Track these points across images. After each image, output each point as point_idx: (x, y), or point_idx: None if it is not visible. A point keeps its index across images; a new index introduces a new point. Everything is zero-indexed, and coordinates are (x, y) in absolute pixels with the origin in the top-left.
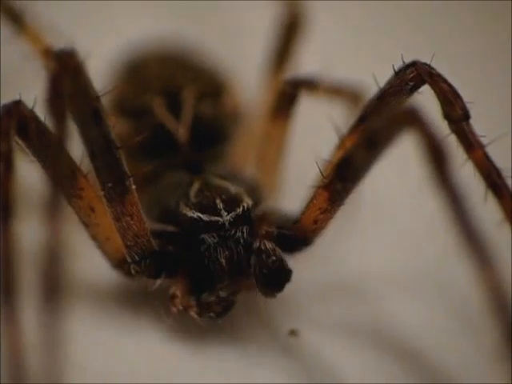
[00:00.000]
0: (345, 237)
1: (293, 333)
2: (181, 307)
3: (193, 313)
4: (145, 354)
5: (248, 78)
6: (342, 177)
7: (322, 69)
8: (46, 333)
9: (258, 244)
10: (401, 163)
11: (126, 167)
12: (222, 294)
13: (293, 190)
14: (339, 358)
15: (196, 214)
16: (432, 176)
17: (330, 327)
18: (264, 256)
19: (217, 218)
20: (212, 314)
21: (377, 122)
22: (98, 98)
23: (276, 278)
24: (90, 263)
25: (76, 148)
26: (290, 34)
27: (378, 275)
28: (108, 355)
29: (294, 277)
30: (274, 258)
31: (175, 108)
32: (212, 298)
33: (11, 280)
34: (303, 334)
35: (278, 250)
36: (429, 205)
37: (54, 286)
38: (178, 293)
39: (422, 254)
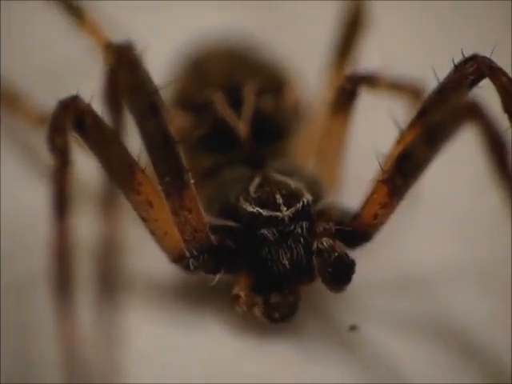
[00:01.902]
0: (405, 230)
1: (353, 328)
2: (245, 307)
3: (257, 311)
4: (204, 349)
5: (309, 73)
6: (402, 171)
7: (383, 65)
8: (103, 329)
9: (317, 244)
10: (461, 156)
11: (184, 162)
12: (289, 297)
13: (353, 186)
14: (400, 354)
15: (256, 209)
16: (492, 169)
17: (390, 322)
18: (326, 255)
19: (276, 213)
20: (278, 316)
21: (437, 116)
22: (155, 91)
23: (342, 274)
24: (148, 258)
25: (134, 142)
26: (351, 29)
27: (439, 269)
28: (167, 352)
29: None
30: (335, 254)
31: (236, 103)
32: (280, 299)
33: (67, 276)
34: (363, 329)
35: (338, 244)
36: (490, 198)
37: (112, 282)
38: (242, 293)
39: (484, 248)
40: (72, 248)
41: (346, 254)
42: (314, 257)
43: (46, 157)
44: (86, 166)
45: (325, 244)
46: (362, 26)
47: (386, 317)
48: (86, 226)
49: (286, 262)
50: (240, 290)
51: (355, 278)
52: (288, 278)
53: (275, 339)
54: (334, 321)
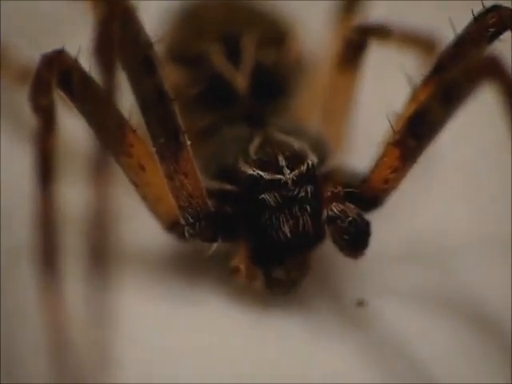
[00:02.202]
0: (417, 197)
1: (361, 303)
2: (245, 281)
3: (258, 285)
4: (202, 325)
5: (314, 23)
6: (415, 133)
7: (395, 16)
8: (93, 307)
9: (327, 211)
10: (479, 117)
11: (180, 121)
12: (294, 270)
13: (361, 147)
14: (410, 330)
15: (256, 172)
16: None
17: (400, 295)
18: (339, 221)
19: (279, 176)
20: (280, 290)
21: (453, 73)
22: (150, 44)
23: (359, 239)
24: (140, 227)
25: (124, 100)
26: None
27: (453, 239)
28: (161, 327)
29: None
30: (349, 219)
31: (234, 56)
32: (282, 274)
33: (52, 249)
34: (372, 304)
35: (349, 206)
36: (509, 163)
37: (102, 254)
38: (242, 266)
39: (501, 216)
40: (58, 218)
41: (360, 216)
42: (324, 224)
43: (29, 118)
44: (72, 127)
45: (335, 210)
46: None
47: (396, 290)
48: (73, 194)
49: (290, 231)
50: (239, 262)
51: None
52: (292, 249)
53: (277, 315)
54: (342, 295)
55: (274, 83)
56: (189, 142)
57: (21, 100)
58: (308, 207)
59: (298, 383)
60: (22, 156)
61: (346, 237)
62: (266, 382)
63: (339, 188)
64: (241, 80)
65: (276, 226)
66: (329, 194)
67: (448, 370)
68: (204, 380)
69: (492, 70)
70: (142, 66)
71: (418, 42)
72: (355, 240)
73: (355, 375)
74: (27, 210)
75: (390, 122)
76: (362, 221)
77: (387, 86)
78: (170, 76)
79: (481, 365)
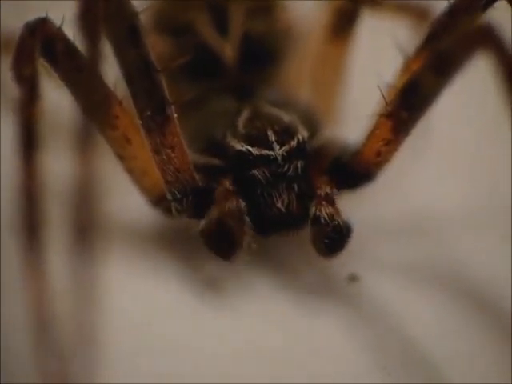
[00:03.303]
0: (409, 172)
1: (353, 278)
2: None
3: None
4: (187, 301)
5: None
6: (408, 104)
7: None
8: (77, 279)
9: (315, 209)
10: (474, 89)
11: (166, 93)
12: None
13: (353, 119)
14: (403, 304)
15: (245, 147)
16: (508, 102)
17: (392, 270)
18: (323, 224)
19: (268, 152)
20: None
21: (447, 42)
22: (135, 14)
23: (337, 245)
24: (125, 201)
25: (110, 71)
26: None
27: (445, 214)
28: (146, 303)
29: (354, 216)
30: (334, 223)
31: (222, 26)
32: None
33: (35, 220)
34: (364, 278)
35: (337, 210)
36: (505, 136)
37: (86, 227)
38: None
39: (495, 192)
40: (41, 191)
41: (345, 223)
42: (309, 218)
43: (12, 88)
44: (56, 98)
45: (323, 212)
46: None
47: (387, 264)
48: (57, 166)
49: (280, 207)
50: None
51: (357, 223)
52: (281, 225)
53: (268, 290)
54: (333, 269)
55: (263, 53)
56: (175, 115)
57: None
58: (296, 184)
59: (287, 358)
60: (6, 128)
61: (326, 240)
62: (253, 357)
63: (333, 190)
64: (229, 50)
65: (265, 202)
66: (321, 193)
67: (441, 345)
68: (190, 353)
69: (486, 38)
70: (127, 35)
71: (410, 10)
72: (334, 245)
73: (346, 350)
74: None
75: (382, 93)
76: (346, 227)
77: (379, 56)
78: (156, 46)
79: (476, 339)
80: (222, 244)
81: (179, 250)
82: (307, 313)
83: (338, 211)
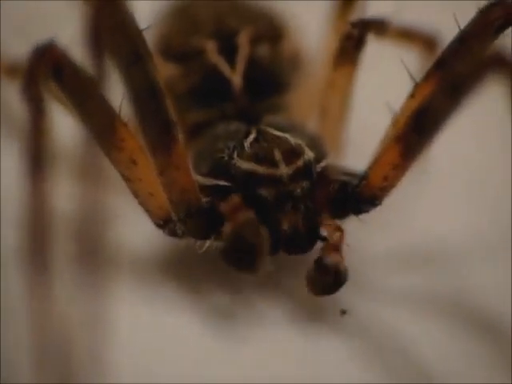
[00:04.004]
0: (413, 198)
1: (344, 312)
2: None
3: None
4: (195, 329)
5: (310, 19)
6: (418, 128)
7: (394, 10)
8: (84, 306)
9: (320, 257)
10: (481, 115)
11: (172, 114)
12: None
13: (360, 145)
14: (404, 335)
15: (251, 166)
16: None
17: (394, 299)
18: (325, 271)
19: (275, 171)
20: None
21: (460, 67)
22: (142, 36)
23: (332, 290)
24: (132, 225)
25: (116, 93)
26: None
27: (448, 243)
28: (153, 332)
29: (356, 243)
30: (334, 275)
31: (229, 52)
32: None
33: (42, 246)
34: (360, 307)
35: (342, 263)
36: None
37: (94, 255)
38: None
39: (499, 219)
40: (49, 214)
41: (346, 272)
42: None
43: (20, 111)
44: (63, 123)
45: (329, 260)
46: None
47: (386, 294)
48: (64, 190)
49: (285, 227)
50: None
51: (356, 250)
52: (288, 245)
53: (266, 322)
54: (329, 301)
55: (270, 80)
56: (181, 136)
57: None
58: (302, 205)
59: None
60: (11, 155)
61: (323, 284)
62: (252, 383)
63: (334, 189)
64: (236, 76)
65: (272, 222)
66: (324, 194)
67: (444, 375)
68: (194, 380)
69: (499, 64)
70: (132, 57)
71: (418, 38)
72: (328, 290)
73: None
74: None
75: (390, 117)
76: (345, 276)
77: (386, 82)
78: (164, 70)
79: (480, 370)
80: (244, 256)
81: (187, 278)
82: (314, 340)
83: (342, 260)
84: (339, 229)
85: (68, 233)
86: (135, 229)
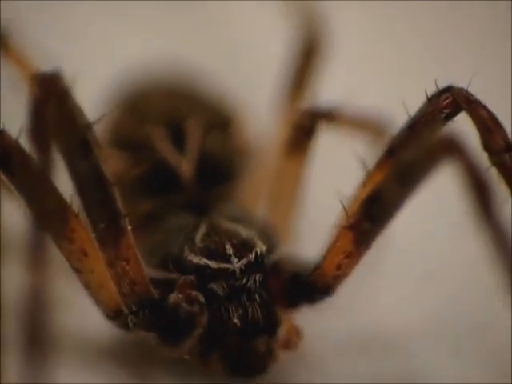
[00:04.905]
0: (368, 284)
1: None
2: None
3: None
4: None
5: (260, 108)
6: (370, 215)
7: (344, 97)
8: None
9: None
10: (435, 199)
11: (120, 205)
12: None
13: (311, 234)
14: None
15: (203, 261)
16: (473, 213)
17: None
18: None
19: (227, 265)
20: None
21: (411, 154)
22: (87, 126)
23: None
24: (80, 314)
25: (67, 184)
26: (307, 58)
27: (404, 329)
28: None
29: (311, 330)
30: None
31: (179, 141)
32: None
33: None
34: None
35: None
36: (468, 243)
37: (39, 340)
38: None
39: (460, 304)
40: None
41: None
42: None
43: None
44: (11, 211)
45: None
46: (317, 52)
47: (341, 379)
48: (11, 278)
49: (236, 320)
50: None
51: (311, 336)
52: (243, 339)
53: None
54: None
55: (220, 169)
56: (130, 228)
57: None
58: (257, 297)
59: None
60: None
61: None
62: None
63: (286, 278)
64: (185, 165)
65: (224, 317)
66: (277, 284)
67: None
68: None
69: (450, 150)
70: (79, 148)
71: (367, 125)
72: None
73: None
74: None
75: (342, 204)
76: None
77: (338, 169)
78: (112, 160)
79: None
80: (175, 332)
81: (136, 367)
82: None
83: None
84: (297, 331)
85: (16, 320)
86: (85, 314)
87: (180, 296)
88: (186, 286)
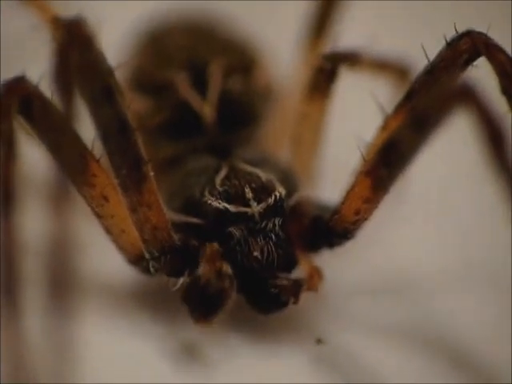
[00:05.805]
0: (388, 229)
1: (319, 342)
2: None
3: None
4: (162, 361)
5: (282, 51)
6: (387, 162)
7: (365, 42)
8: (53, 336)
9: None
10: (452, 145)
11: (143, 151)
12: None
13: (331, 177)
14: (380, 367)
15: (222, 205)
16: (488, 159)
17: (369, 329)
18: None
19: (246, 209)
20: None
21: (427, 100)
22: (111, 72)
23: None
24: (103, 258)
25: (88, 130)
26: (329, 3)
27: (424, 271)
28: (121, 364)
29: (332, 274)
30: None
31: (201, 84)
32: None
33: (13, 277)
34: (340, 337)
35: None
36: (483, 191)
37: (62, 284)
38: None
39: (477, 249)
40: (19, 248)
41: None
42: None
43: None
44: (33, 156)
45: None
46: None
47: (364, 323)
48: (34, 223)
49: (259, 254)
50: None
51: (333, 280)
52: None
53: (240, 354)
54: (307, 328)
55: (242, 112)
56: (152, 173)
57: None
58: (274, 239)
59: None
60: None
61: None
62: None
63: (306, 224)
64: (207, 109)
65: (246, 252)
66: (296, 228)
67: None
68: None
69: (466, 97)
70: (102, 94)
71: (389, 68)
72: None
73: None
74: None
75: (360, 151)
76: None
77: (358, 114)
78: (134, 104)
79: None
80: (205, 305)
81: (157, 310)
82: (289, 369)
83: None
84: (317, 272)
85: (39, 263)
86: (107, 258)
87: (208, 268)
88: (213, 255)
